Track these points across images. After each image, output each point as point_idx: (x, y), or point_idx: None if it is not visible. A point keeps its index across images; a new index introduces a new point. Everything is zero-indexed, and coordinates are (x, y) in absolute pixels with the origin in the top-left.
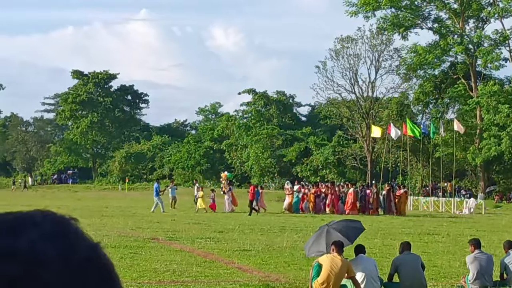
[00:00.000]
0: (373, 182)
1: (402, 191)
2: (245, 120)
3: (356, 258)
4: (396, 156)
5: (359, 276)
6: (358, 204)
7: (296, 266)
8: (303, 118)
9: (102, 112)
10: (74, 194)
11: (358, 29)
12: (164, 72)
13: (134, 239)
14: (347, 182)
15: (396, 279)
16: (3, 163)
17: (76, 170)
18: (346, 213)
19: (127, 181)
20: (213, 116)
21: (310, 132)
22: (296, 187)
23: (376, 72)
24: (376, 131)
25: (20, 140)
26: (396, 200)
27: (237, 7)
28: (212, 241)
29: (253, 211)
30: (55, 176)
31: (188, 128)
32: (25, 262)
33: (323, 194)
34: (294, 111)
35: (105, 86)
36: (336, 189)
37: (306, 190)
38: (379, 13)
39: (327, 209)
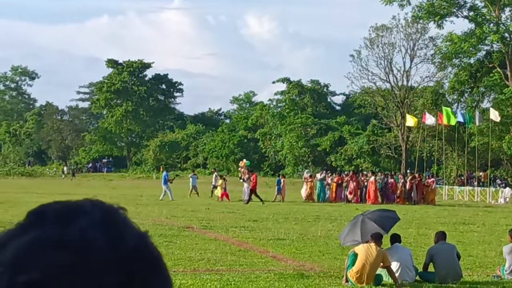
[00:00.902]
0: (402, 172)
1: (430, 180)
2: (279, 109)
3: (391, 247)
4: (431, 145)
5: (394, 266)
6: (379, 194)
7: (331, 255)
8: (338, 107)
9: (137, 101)
10: (108, 182)
11: (393, 17)
12: (198, 61)
13: (169, 227)
14: (369, 171)
15: (431, 268)
16: (39, 151)
17: (110, 158)
18: (368, 203)
19: (161, 170)
20: (247, 105)
21: (345, 121)
22: (321, 176)
23: (411, 61)
24: (410, 120)
25: (55, 129)
26: (424, 190)
27: None
28: (247, 230)
29: (259, 199)
30: (90, 165)
31: (222, 117)
32: (75, 250)
33: (345, 183)
34: (329, 100)
35: (140, 75)
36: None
37: (330, 180)
38: (414, 1)
39: (349, 197)
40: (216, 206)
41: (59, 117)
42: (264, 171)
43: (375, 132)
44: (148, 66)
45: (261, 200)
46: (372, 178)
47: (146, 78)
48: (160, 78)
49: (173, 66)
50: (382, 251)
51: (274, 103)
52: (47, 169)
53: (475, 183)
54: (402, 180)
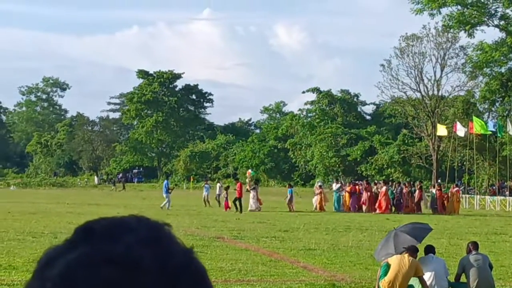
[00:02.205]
0: (433, 182)
1: (454, 190)
2: (309, 119)
3: (425, 258)
4: (462, 155)
5: (428, 276)
6: (389, 203)
7: (362, 265)
8: (368, 117)
9: (167, 112)
10: (139, 193)
11: (423, 27)
12: (228, 71)
13: (199, 238)
14: (380, 181)
15: (463, 279)
16: (70, 162)
17: (141, 169)
18: (378, 212)
19: (191, 180)
20: (278, 115)
21: (375, 131)
22: (336, 186)
23: (442, 70)
24: (441, 130)
25: (86, 140)
26: (445, 199)
27: (300, 5)
28: (277, 240)
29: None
30: (120, 175)
31: (253, 127)
32: (123, 266)
33: (358, 192)
34: (359, 109)
35: (170, 86)
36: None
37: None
38: (445, 11)
39: (363, 207)
40: (246, 216)
41: (90, 128)
42: (294, 181)
43: (406, 141)
44: (178, 76)
45: (240, 210)
46: (384, 188)
47: (177, 89)
48: (190, 89)
49: (203, 77)
50: (415, 261)
51: (304, 113)
52: (78, 179)
53: (507, 193)
54: (408, 190)
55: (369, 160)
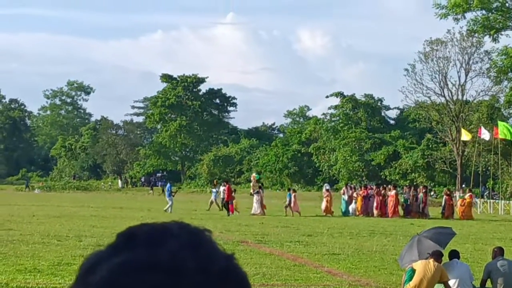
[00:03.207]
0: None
1: (467, 195)
2: (333, 123)
3: (450, 263)
4: (486, 159)
5: (452, 282)
6: (397, 207)
7: (387, 270)
8: (392, 121)
9: (191, 116)
10: (163, 196)
11: (447, 31)
12: (252, 75)
13: (223, 242)
14: (390, 185)
15: (488, 284)
16: (94, 165)
17: (165, 173)
18: (389, 216)
19: (215, 183)
20: (301, 119)
21: (399, 136)
22: (345, 192)
23: (466, 75)
24: (466, 135)
25: (110, 143)
26: (462, 205)
27: (323, 10)
28: (301, 245)
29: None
30: (143, 179)
31: (276, 131)
32: (166, 271)
33: (371, 196)
34: (383, 114)
35: (194, 90)
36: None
37: (355, 194)
38: (469, 15)
39: (375, 212)
40: (270, 221)
41: (114, 132)
42: (318, 185)
43: (430, 146)
44: (202, 80)
45: (225, 210)
46: (393, 192)
47: (200, 93)
48: (214, 93)
49: (227, 81)
50: (440, 266)
51: (328, 117)
52: (102, 183)
53: None
54: (412, 194)
55: (393, 165)
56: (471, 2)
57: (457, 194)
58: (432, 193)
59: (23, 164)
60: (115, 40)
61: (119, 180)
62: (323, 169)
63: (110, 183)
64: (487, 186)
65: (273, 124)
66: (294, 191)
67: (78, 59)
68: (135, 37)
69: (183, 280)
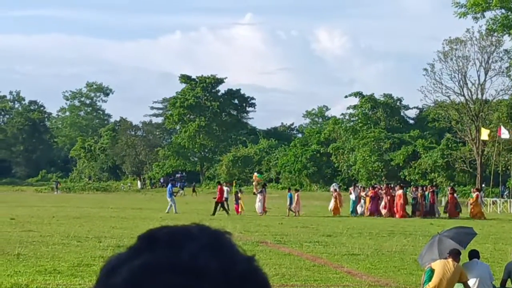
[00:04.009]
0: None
1: (474, 194)
2: (352, 123)
3: (469, 263)
4: (506, 159)
5: (472, 282)
6: (406, 207)
7: (406, 271)
8: (411, 121)
9: (210, 116)
10: (182, 197)
11: (467, 30)
12: (270, 75)
13: (243, 242)
14: (397, 184)
15: (509, 284)
16: (113, 166)
17: (184, 173)
18: (397, 216)
19: (234, 184)
20: (320, 120)
21: (418, 135)
22: (353, 192)
23: (486, 74)
24: (485, 134)
25: (129, 144)
26: (471, 204)
27: (341, 9)
28: (321, 245)
29: (225, 210)
30: (162, 180)
31: (295, 131)
32: (187, 273)
33: (380, 196)
34: (402, 114)
35: (213, 91)
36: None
37: (363, 193)
38: (489, 14)
39: (383, 212)
40: (289, 221)
41: (133, 133)
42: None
43: (450, 146)
44: (221, 81)
45: (214, 213)
46: (400, 192)
47: (219, 93)
48: (233, 93)
49: (245, 81)
50: (459, 266)
51: (347, 117)
52: (121, 184)
53: None
54: (420, 193)
55: (412, 165)
56: (491, 1)
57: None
58: None
59: (42, 166)
60: (133, 41)
61: (138, 181)
62: (342, 169)
63: (129, 184)
64: (507, 186)
65: (292, 124)
66: (297, 190)
67: (96, 60)
68: (153, 38)
69: (204, 282)
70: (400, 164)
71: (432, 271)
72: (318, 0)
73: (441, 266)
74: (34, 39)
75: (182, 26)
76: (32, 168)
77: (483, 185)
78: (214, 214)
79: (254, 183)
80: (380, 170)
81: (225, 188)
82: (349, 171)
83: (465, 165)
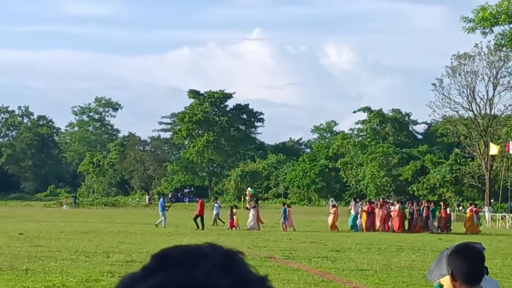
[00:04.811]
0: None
1: (468, 209)
2: (360, 138)
3: None
4: None
5: None
6: (401, 222)
7: (415, 286)
8: (419, 136)
9: (218, 131)
10: (190, 212)
11: (475, 45)
12: (279, 90)
13: (251, 257)
14: (396, 200)
15: None
16: (122, 181)
17: (192, 188)
18: (395, 231)
19: (242, 199)
20: (328, 135)
21: (427, 150)
22: (353, 208)
23: (494, 89)
24: (494, 149)
25: (138, 159)
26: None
27: (349, 24)
28: (329, 260)
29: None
30: (170, 195)
31: (303, 146)
32: None
33: (376, 211)
34: (410, 129)
35: (221, 106)
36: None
37: (359, 210)
38: (497, 29)
39: (378, 225)
40: (298, 236)
41: (142, 148)
42: (346, 200)
43: (458, 161)
44: (229, 96)
45: (198, 227)
46: (397, 207)
47: (227, 108)
48: (241, 108)
49: (254, 96)
50: None
51: (355, 132)
52: (130, 199)
53: None
54: (417, 208)
55: (420, 180)
56: (499, 16)
57: (486, 209)
58: (460, 207)
59: (51, 181)
60: (141, 56)
61: (147, 196)
62: (351, 184)
63: (138, 199)
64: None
65: (300, 139)
66: (289, 206)
67: (105, 75)
68: (162, 53)
69: None
70: (409, 179)
71: (441, 286)
72: (326, 15)
73: (449, 283)
74: (42, 55)
75: (190, 41)
76: (40, 183)
77: (491, 200)
78: (202, 228)
79: (247, 198)
80: (388, 185)
81: (216, 204)
82: (357, 186)
83: (473, 180)
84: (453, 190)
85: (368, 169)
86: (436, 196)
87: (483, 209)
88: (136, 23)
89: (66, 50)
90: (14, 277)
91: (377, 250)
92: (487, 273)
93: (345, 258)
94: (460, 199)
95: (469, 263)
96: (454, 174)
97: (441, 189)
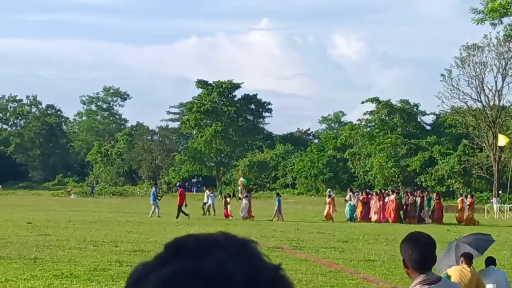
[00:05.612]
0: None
1: (459, 200)
2: (368, 129)
3: (486, 270)
4: None
5: None
6: (396, 212)
7: None
8: (428, 127)
9: (226, 121)
10: (198, 202)
11: (484, 36)
12: (287, 81)
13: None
14: (390, 190)
15: None
16: (129, 171)
17: (200, 178)
18: (386, 221)
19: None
20: (336, 125)
21: (435, 141)
22: (350, 198)
23: (503, 80)
24: (502, 140)
25: (145, 149)
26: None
27: (358, 15)
28: (337, 251)
29: (184, 214)
30: (178, 184)
31: (311, 137)
32: (215, 281)
33: (372, 202)
34: (418, 119)
35: (229, 96)
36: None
37: (355, 200)
38: (506, 20)
39: (374, 217)
40: (305, 227)
41: (150, 137)
42: (358, 191)
43: (466, 152)
44: (237, 86)
45: (187, 214)
46: (392, 197)
47: (236, 99)
48: (249, 98)
49: (262, 86)
50: (476, 273)
51: (364, 123)
52: (138, 188)
53: None
54: (413, 199)
55: (429, 171)
56: (508, 7)
57: (494, 200)
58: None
59: (59, 170)
60: (150, 46)
61: (154, 186)
62: (359, 175)
63: (145, 188)
64: None
65: (308, 129)
66: (279, 195)
67: (113, 65)
68: (170, 43)
69: None
70: (417, 170)
71: (448, 277)
72: (334, 5)
73: (457, 273)
74: (50, 44)
75: (198, 31)
76: (48, 172)
77: (499, 192)
78: (177, 217)
79: (239, 188)
80: (396, 176)
81: (207, 193)
82: (365, 176)
83: (482, 171)
84: (461, 181)
85: (376, 159)
86: (444, 187)
87: (491, 200)
88: (145, 12)
89: (75, 39)
90: (22, 266)
91: (385, 240)
92: (495, 264)
93: (353, 248)
94: (468, 190)
95: (419, 251)
96: (463, 165)
97: (449, 180)
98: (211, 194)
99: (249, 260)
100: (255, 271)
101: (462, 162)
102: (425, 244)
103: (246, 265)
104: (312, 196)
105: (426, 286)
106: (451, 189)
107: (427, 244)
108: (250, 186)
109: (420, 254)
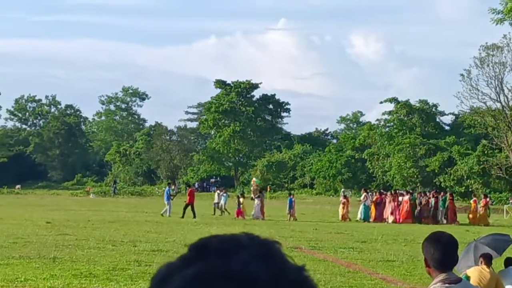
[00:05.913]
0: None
1: (472, 200)
2: (387, 129)
3: (505, 270)
4: None
5: None
6: (411, 213)
7: None
8: (447, 127)
9: (244, 121)
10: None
11: (503, 36)
12: (305, 81)
13: None
14: (404, 190)
15: None
16: (148, 171)
17: (218, 178)
18: (401, 221)
19: (268, 189)
20: (355, 125)
21: (454, 142)
22: (364, 198)
23: None
24: None
25: (164, 149)
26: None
27: (376, 15)
28: (355, 251)
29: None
30: (196, 185)
31: (329, 137)
32: (239, 282)
33: (385, 202)
34: (437, 120)
35: (247, 96)
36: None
37: (369, 201)
38: None
39: (390, 218)
40: (323, 227)
41: (168, 137)
42: (372, 191)
43: (486, 152)
44: (255, 86)
45: (191, 215)
46: (406, 197)
47: (254, 99)
48: (268, 98)
49: (280, 86)
50: (495, 274)
51: (382, 123)
52: (156, 188)
53: None
54: (426, 199)
55: (447, 171)
56: None
57: None
58: (488, 199)
59: (78, 170)
60: (168, 46)
61: (173, 186)
62: (377, 175)
63: (163, 188)
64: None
65: (327, 129)
66: (292, 195)
67: (132, 65)
68: (188, 43)
69: None
70: (436, 171)
71: (467, 278)
72: (352, 5)
73: (476, 273)
74: (71, 44)
75: (216, 31)
76: (67, 172)
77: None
78: (182, 216)
79: (252, 188)
80: (415, 176)
81: (218, 192)
82: (384, 177)
83: (501, 172)
84: (480, 181)
85: (395, 160)
86: (463, 187)
87: (510, 201)
88: (163, 12)
89: (94, 39)
90: (41, 265)
91: (404, 241)
92: (511, 264)
93: (371, 249)
94: (487, 191)
95: (440, 250)
96: (482, 166)
97: (468, 180)
98: (224, 194)
99: (273, 261)
100: (279, 272)
101: (481, 163)
102: (447, 243)
103: (270, 265)
104: (331, 196)
105: (447, 285)
106: (470, 189)
107: (449, 244)
108: (261, 186)
109: (442, 253)
